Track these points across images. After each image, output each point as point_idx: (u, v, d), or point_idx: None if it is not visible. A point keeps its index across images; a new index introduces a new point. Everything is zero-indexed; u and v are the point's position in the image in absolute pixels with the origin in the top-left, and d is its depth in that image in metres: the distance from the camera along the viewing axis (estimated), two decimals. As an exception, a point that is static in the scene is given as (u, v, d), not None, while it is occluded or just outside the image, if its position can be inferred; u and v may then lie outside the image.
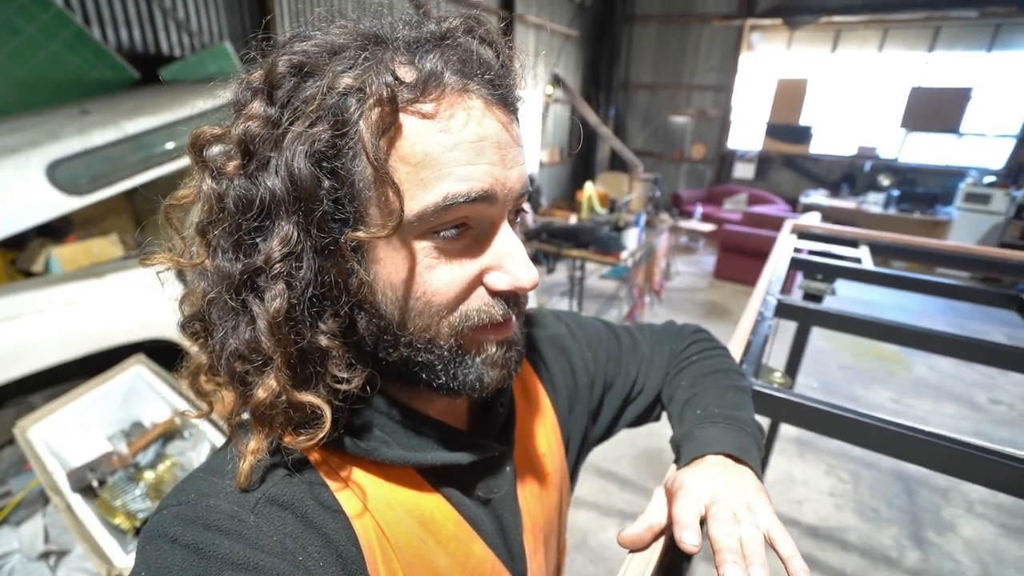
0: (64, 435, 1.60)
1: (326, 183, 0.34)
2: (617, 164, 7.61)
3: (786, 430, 2.77)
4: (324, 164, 0.34)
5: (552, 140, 7.57)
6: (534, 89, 6.70)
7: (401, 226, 0.34)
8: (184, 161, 2.20)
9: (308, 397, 0.36)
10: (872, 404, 3.28)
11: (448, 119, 0.34)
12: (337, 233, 0.36)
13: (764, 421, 2.01)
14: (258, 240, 0.35)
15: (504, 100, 0.38)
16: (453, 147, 0.34)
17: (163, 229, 0.38)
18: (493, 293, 0.39)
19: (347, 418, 0.41)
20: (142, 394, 1.78)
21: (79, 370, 1.85)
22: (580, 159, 8.32)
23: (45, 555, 1.49)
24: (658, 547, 0.48)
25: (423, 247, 0.36)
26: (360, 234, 0.34)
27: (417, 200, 0.34)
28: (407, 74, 0.34)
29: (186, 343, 0.40)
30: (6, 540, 1.52)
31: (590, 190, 4.68)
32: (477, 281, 0.39)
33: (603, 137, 6.58)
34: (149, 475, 1.53)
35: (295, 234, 0.34)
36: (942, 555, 2.21)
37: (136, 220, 2.41)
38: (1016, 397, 3.43)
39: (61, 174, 1.86)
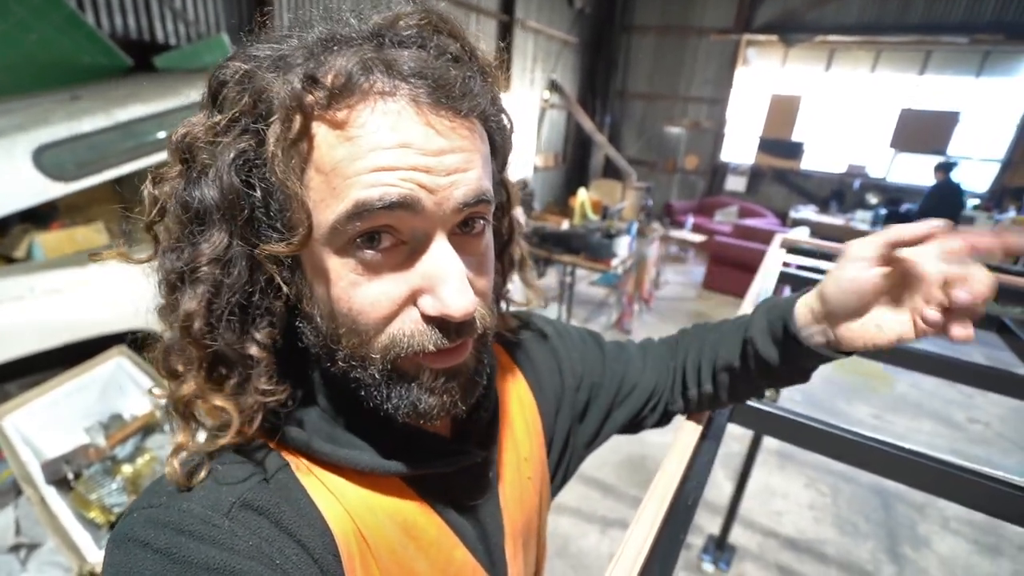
0: (40, 425, 1.57)
1: (257, 193, 0.34)
2: (611, 172, 7.65)
3: (768, 442, 2.79)
4: (254, 173, 0.34)
5: (547, 145, 7.60)
6: (531, 93, 6.73)
7: (315, 239, 0.34)
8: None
9: (220, 401, 0.36)
10: (853, 419, 3.32)
11: (362, 125, 0.32)
12: (264, 242, 0.35)
13: (747, 433, 2.03)
14: (194, 243, 0.35)
15: (444, 102, 0.34)
16: (366, 154, 0.32)
17: (146, 233, 0.39)
18: (427, 318, 0.36)
19: (325, 426, 0.41)
20: (123, 386, 1.75)
21: (58, 359, 1.82)
22: (574, 165, 8.35)
23: (15, 548, 1.46)
24: (641, 558, 0.48)
25: (346, 262, 0.34)
26: (269, 247, 0.34)
27: (332, 210, 0.33)
28: (327, 78, 0.32)
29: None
30: (-25, 531, 1.49)
31: (583, 196, 4.70)
32: (408, 302, 0.36)
33: (598, 144, 6.63)
34: (127, 469, 1.50)
35: (224, 241, 0.35)
36: (917, 571, 2.24)
37: (124, 209, 2.37)
38: (993, 416, 3.49)
39: (48, 159, 1.84)
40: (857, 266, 0.43)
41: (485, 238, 0.39)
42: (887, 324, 0.44)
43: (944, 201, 4.87)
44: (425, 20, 0.36)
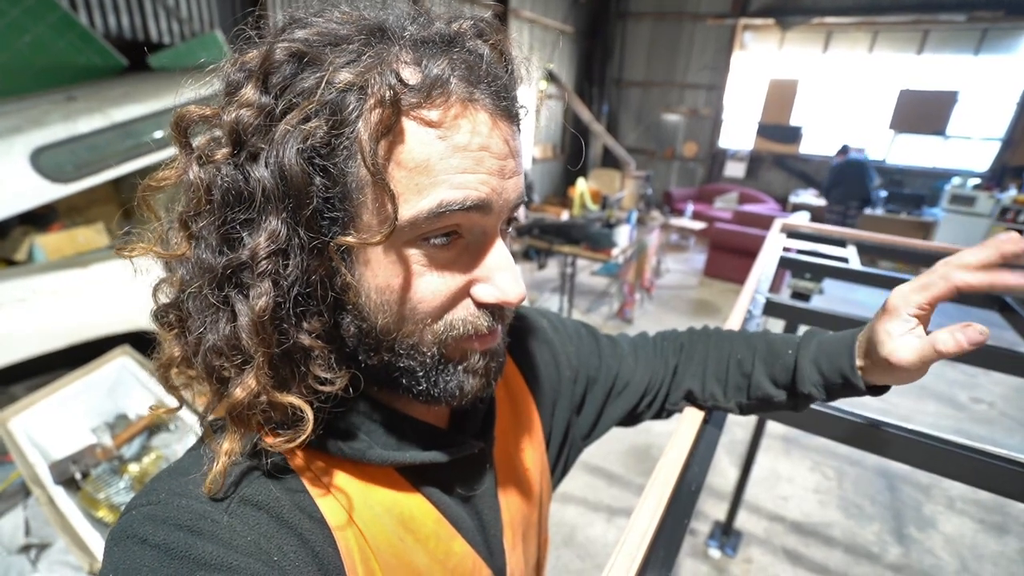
0: (46, 427, 1.58)
1: (317, 181, 0.33)
2: (609, 161, 7.62)
3: (772, 427, 2.80)
4: (316, 161, 0.33)
5: (545, 136, 7.57)
6: (528, 85, 6.68)
7: (393, 232, 0.34)
8: (173, 150, 2.17)
9: (289, 398, 0.34)
10: (857, 402, 3.31)
11: (451, 128, 0.33)
12: (326, 233, 0.34)
13: (751, 418, 2.04)
14: (244, 234, 0.33)
15: (508, 112, 0.37)
16: (452, 155, 0.33)
17: (140, 211, 0.37)
18: (479, 304, 0.39)
19: (326, 417, 0.40)
20: (127, 386, 1.76)
21: (63, 361, 1.83)
22: (573, 156, 8.32)
23: (26, 548, 1.47)
24: (645, 543, 0.49)
25: (412, 254, 0.35)
26: (350, 239, 0.34)
27: (411, 205, 0.33)
28: (412, 76, 0.33)
29: (160, 333, 0.38)
30: (-14, 533, 1.50)
31: (582, 187, 4.69)
32: (464, 292, 0.38)
33: (596, 134, 6.59)
34: (134, 468, 1.51)
35: (283, 231, 0.33)
36: (923, 551, 2.25)
37: (124, 210, 2.37)
38: (996, 396, 3.49)
39: (46, 161, 1.83)
40: (903, 326, 0.47)
41: (510, 232, 0.43)
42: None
43: (848, 177, 5.37)
44: (484, 32, 0.38)
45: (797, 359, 0.57)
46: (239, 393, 0.33)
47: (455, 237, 0.36)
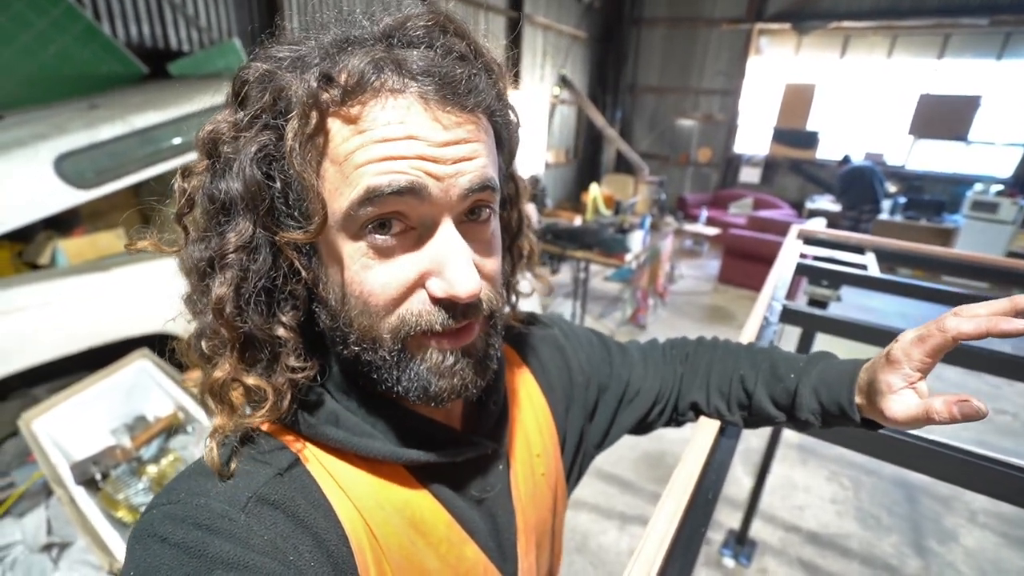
0: (68, 428, 1.61)
1: (277, 185, 0.37)
2: (623, 166, 7.60)
3: (788, 436, 2.76)
4: (274, 166, 0.37)
5: (558, 141, 7.58)
6: (541, 89, 6.71)
7: (329, 226, 0.36)
8: (191, 156, 2.21)
9: (253, 380, 0.38)
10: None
11: (373, 120, 0.34)
12: (283, 231, 0.38)
13: (766, 429, 2.01)
14: (221, 232, 0.37)
15: (451, 98, 0.35)
16: (378, 144, 0.34)
17: (168, 220, 0.41)
18: (434, 300, 0.38)
19: (338, 413, 0.42)
20: (146, 388, 1.79)
21: (83, 363, 1.86)
22: (586, 161, 8.31)
23: (47, 547, 1.49)
24: (662, 551, 0.48)
25: (359, 247, 0.36)
26: (288, 235, 0.37)
27: (345, 197, 0.35)
28: (340, 76, 0.34)
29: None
30: (9, 531, 1.54)
31: (595, 192, 4.68)
32: (417, 284, 0.38)
33: (609, 139, 6.59)
34: (152, 469, 1.54)
35: (249, 229, 0.37)
36: (943, 564, 2.20)
37: (143, 215, 2.42)
38: (1020, 407, 3.41)
39: (69, 167, 1.88)
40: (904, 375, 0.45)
41: (491, 225, 0.41)
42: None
43: (856, 182, 5.41)
44: (433, 21, 0.38)
45: (798, 385, 0.55)
46: (217, 373, 0.38)
47: (403, 229, 0.36)
